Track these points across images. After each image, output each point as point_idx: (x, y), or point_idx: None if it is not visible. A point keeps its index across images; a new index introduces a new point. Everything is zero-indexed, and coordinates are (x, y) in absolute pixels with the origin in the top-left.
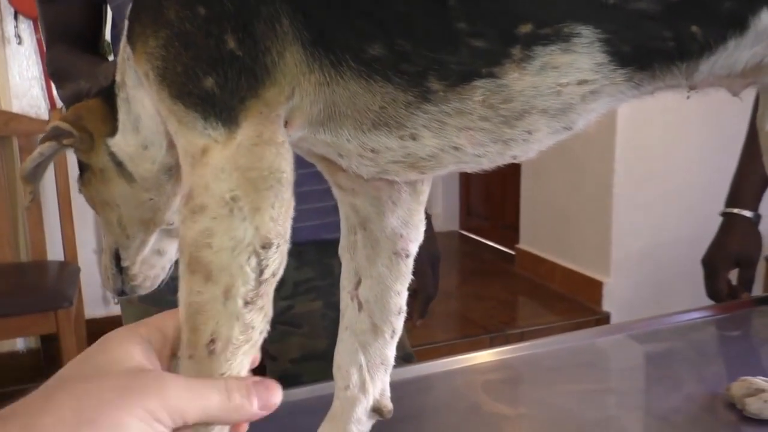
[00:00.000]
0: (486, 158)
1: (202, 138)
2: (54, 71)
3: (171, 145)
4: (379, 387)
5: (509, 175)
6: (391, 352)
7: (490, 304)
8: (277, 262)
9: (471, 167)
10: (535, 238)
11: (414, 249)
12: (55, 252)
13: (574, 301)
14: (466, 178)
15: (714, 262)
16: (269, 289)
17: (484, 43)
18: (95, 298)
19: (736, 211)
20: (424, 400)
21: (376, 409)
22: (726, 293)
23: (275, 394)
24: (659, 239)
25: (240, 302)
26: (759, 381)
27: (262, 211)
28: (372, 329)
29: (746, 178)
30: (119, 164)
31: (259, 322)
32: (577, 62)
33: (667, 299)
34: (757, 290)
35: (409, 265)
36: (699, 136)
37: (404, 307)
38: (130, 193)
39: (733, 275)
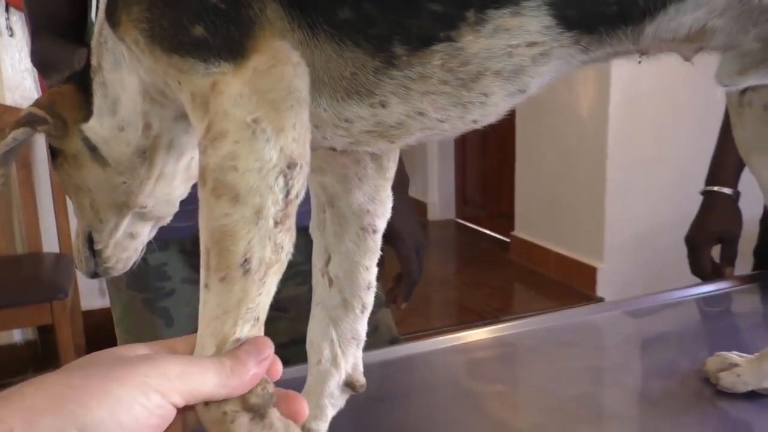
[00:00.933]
0: (448, 123)
1: (207, 77)
2: (39, 62)
3: (147, 127)
4: (351, 361)
5: (504, 164)
6: (362, 327)
7: (486, 291)
8: (300, 182)
9: (436, 134)
10: (530, 225)
11: (381, 225)
12: (50, 244)
13: (569, 286)
14: (461, 168)
15: (696, 240)
16: (293, 211)
17: (441, 7)
18: (91, 290)
19: (716, 189)
20: (406, 379)
21: (349, 384)
22: (710, 270)
23: (265, 347)
24: (652, 224)
25: (271, 222)
26: (733, 356)
27: (285, 131)
28: (342, 304)
29: (725, 156)
30: (93, 149)
31: (287, 242)
32: (526, 25)
33: (661, 283)
34: (749, 268)
35: (376, 240)
36: (691, 122)
37: (374, 282)
38: (104, 177)
39: (716, 253)
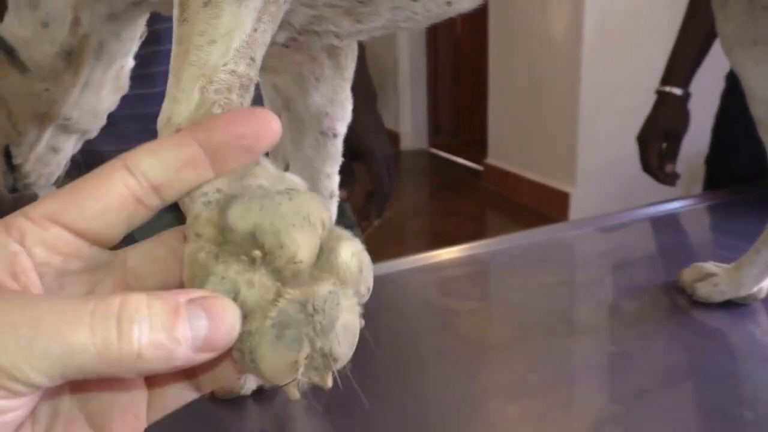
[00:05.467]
0: (420, 2)
1: None
2: None
3: (75, 22)
4: None
5: (476, 91)
6: None
7: (459, 219)
8: None
9: (406, 17)
10: (503, 152)
11: (341, 128)
12: None
13: (541, 212)
14: (433, 96)
15: (646, 138)
16: None
17: None
18: None
19: (668, 89)
20: (377, 298)
21: None
22: (657, 166)
23: (226, 316)
24: (625, 149)
25: None
26: (710, 266)
27: None
28: None
29: (680, 56)
30: (9, 51)
31: None
32: None
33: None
34: (697, 189)
35: (337, 146)
36: (665, 45)
37: (336, 191)
38: (23, 84)
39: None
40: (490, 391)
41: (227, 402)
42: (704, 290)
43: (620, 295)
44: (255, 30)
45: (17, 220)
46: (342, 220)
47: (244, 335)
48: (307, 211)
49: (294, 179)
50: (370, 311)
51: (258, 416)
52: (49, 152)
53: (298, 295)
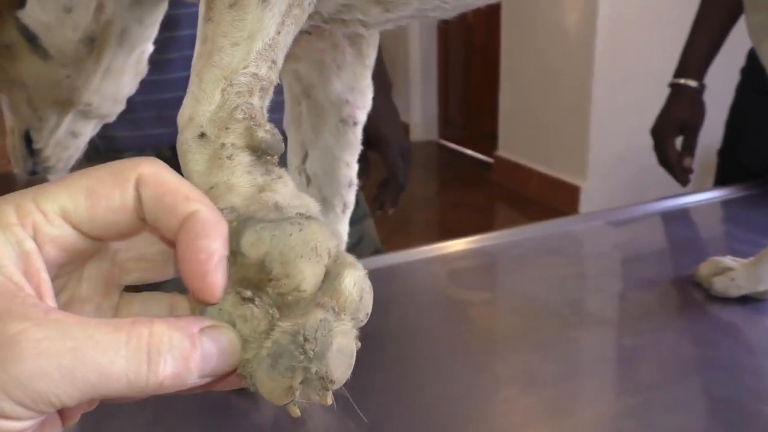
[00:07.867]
0: None
1: None
2: None
3: (99, 8)
4: None
5: (487, 83)
6: (344, 228)
7: (468, 211)
8: None
9: (435, 6)
10: (513, 145)
11: (362, 116)
12: None
13: (552, 206)
14: (444, 88)
15: (661, 131)
16: None
17: None
18: None
19: (682, 81)
20: (389, 289)
21: None
22: (674, 160)
23: (229, 347)
24: (636, 142)
25: None
26: (727, 260)
27: None
28: (322, 204)
29: (694, 48)
30: (32, 38)
31: None
32: None
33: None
34: (709, 182)
35: (357, 134)
36: (678, 37)
37: (355, 180)
38: (45, 70)
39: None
40: (502, 382)
41: (242, 390)
42: (721, 284)
43: (632, 288)
44: (278, 33)
45: (32, 212)
46: (356, 209)
47: (244, 362)
48: (315, 242)
49: (309, 201)
50: (380, 302)
51: (271, 403)
52: (69, 137)
53: (289, 327)
